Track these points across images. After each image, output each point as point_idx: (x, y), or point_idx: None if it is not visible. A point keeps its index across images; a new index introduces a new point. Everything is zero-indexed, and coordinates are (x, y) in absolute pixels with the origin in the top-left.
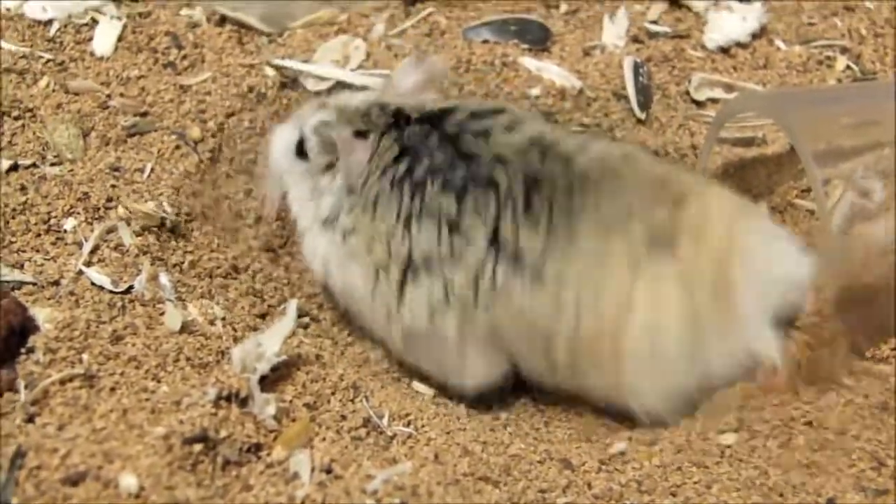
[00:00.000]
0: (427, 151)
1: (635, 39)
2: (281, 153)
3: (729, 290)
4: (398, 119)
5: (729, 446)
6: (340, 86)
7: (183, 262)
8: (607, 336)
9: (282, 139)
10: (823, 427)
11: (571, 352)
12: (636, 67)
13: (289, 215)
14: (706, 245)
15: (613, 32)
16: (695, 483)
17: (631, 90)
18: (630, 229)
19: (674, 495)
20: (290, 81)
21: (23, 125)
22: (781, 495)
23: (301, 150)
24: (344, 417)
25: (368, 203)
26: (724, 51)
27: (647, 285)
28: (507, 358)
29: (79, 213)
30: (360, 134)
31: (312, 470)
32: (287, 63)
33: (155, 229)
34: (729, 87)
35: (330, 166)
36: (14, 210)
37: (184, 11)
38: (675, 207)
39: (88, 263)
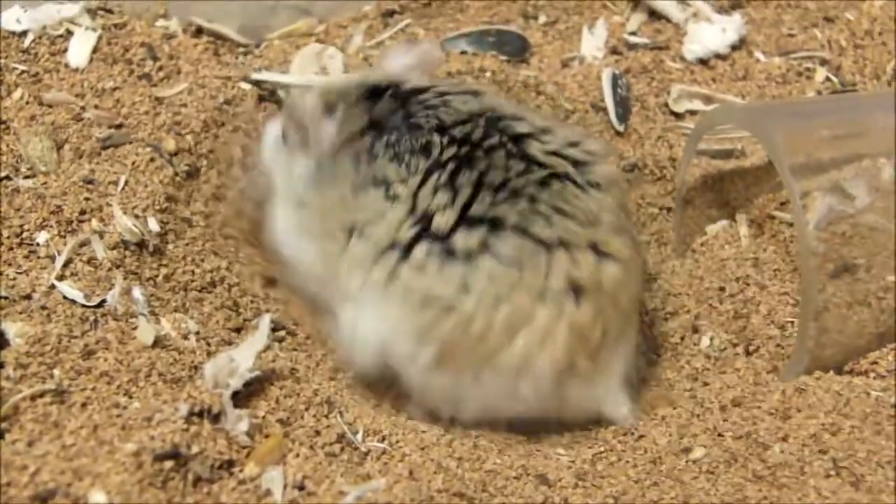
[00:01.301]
0: (389, 127)
1: (614, 51)
2: (269, 144)
3: (602, 355)
4: (372, 93)
5: (700, 460)
6: None
7: (157, 276)
8: (487, 338)
9: (270, 131)
10: (801, 442)
11: (452, 336)
12: (615, 79)
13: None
14: (605, 310)
15: (592, 44)
16: (671, 499)
17: (609, 102)
18: (552, 264)
19: None
20: (267, 93)
21: None
22: None
23: (285, 136)
24: (318, 433)
25: (332, 175)
26: (704, 62)
27: (547, 318)
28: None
29: (52, 227)
30: (329, 107)
31: (285, 487)
32: (264, 76)
33: (129, 242)
34: (708, 99)
35: (305, 143)
36: None
37: (160, 23)
38: (598, 260)
39: (61, 277)
